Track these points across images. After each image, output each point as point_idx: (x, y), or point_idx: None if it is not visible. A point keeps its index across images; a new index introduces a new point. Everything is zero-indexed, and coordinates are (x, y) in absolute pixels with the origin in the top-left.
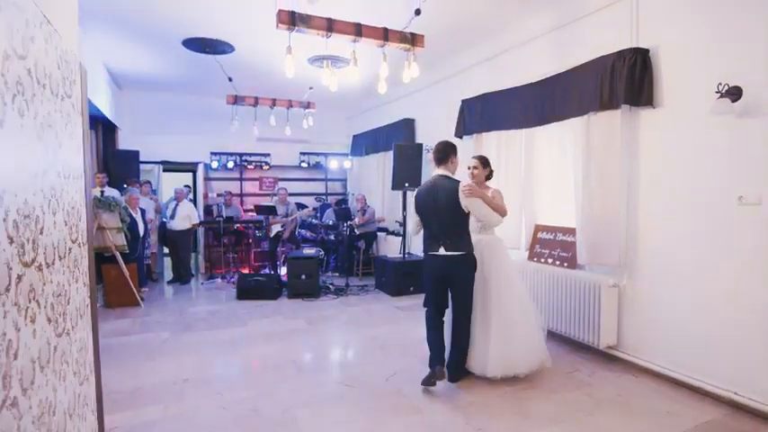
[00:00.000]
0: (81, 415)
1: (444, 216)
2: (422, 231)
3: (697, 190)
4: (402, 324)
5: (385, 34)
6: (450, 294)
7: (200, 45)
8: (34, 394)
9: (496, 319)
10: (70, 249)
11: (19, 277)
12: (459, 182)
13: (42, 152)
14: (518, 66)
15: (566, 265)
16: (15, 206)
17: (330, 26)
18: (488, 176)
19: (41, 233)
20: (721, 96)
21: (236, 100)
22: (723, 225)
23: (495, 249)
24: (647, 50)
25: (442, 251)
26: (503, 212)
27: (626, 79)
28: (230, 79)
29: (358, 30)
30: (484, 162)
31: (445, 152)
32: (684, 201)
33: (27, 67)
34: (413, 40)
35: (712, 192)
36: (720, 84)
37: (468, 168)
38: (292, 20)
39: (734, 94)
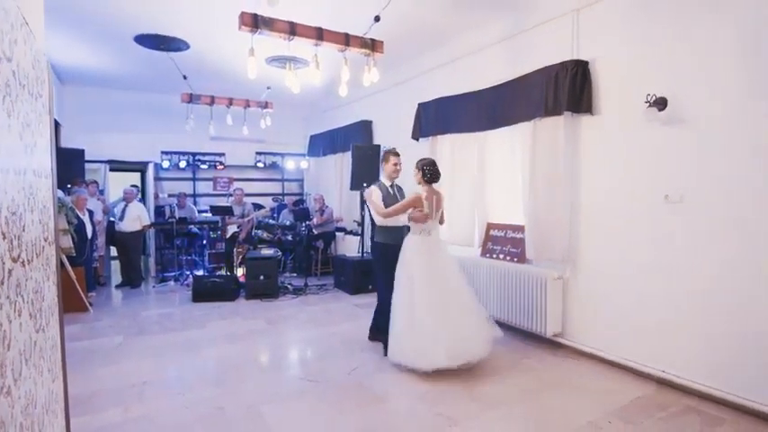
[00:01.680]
0: (54, 411)
1: None
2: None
3: (630, 190)
4: (361, 321)
5: (346, 39)
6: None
7: (153, 41)
8: (22, 385)
9: (448, 310)
10: (43, 248)
11: (9, 272)
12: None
13: (23, 151)
14: (472, 72)
15: (516, 260)
16: (6, 203)
17: (293, 30)
18: (429, 179)
19: (24, 230)
20: (650, 106)
21: (192, 98)
22: (653, 220)
23: (440, 248)
24: (586, 62)
25: None
26: (377, 211)
27: (568, 88)
28: (185, 77)
29: (320, 34)
30: (418, 165)
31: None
32: (619, 199)
33: (12, 69)
34: (373, 45)
35: (643, 191)
36: (649, 94)
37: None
38: (255, 22)
39: (660, 104)
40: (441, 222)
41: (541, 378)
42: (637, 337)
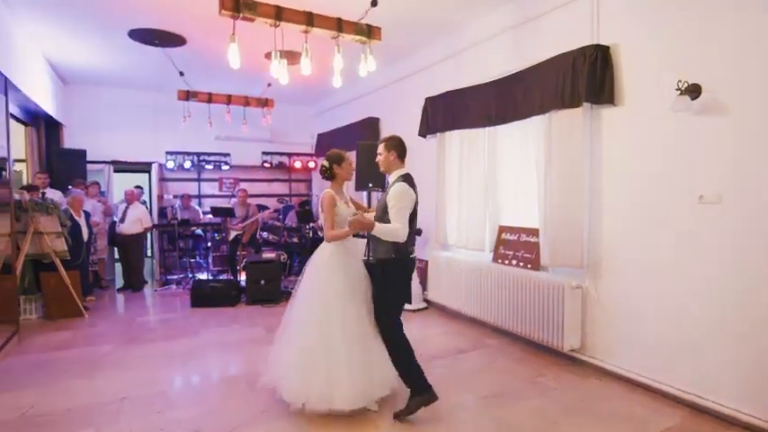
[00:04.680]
0: None
1: (416, 215)
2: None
3: (659, 189)
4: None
5: (339, 25)
6: None
7: (147, 36)
8: None
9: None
10: None
11: None
12: None
13: None
14: (482, 62)
15: (529, 266)
16: None
17: (278, 14)
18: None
19: None
20: (681, 94)
21: (188, 96)
22: (685, 225)
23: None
24: (607, 47)
25: (415, 252)
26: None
27: (587, 77)
28: (181, 73)
29: (309, 19)
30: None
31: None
32: (647, 201)
33: None
34: (369, 32)
35: (674, 191)
36: (680, 81)
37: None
38: (236, 6)
39: (693, 91)
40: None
41: (559, 401)
42: (667, 356)
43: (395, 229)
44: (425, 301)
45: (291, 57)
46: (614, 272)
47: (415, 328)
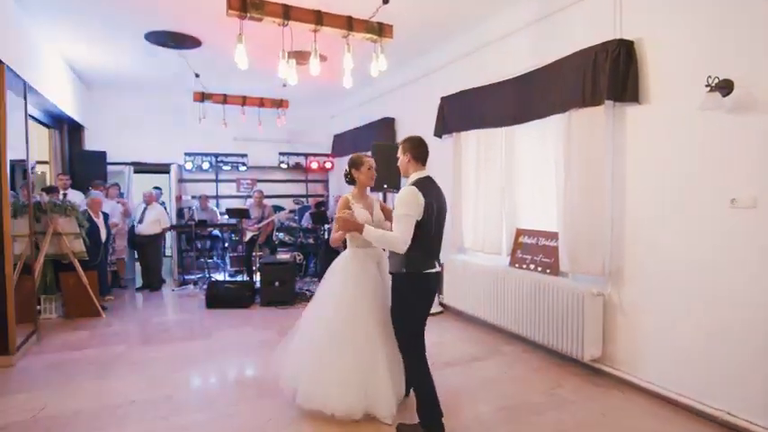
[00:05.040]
0: None
1: (442, 224)
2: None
3: (687, 192)
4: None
5: (349, 23)
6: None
7: (163, 39)
8: None
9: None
10: None
11: None
12: None
13: None
14: (500, 60)
15: (548, 271)
16: None
17: (287, 13)
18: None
19: None
20: (711, 90)
21: (204, 97)
22: (716, 230)
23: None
24: (631, 42)
25: (437, 267)
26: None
27: (609, 73)
28: (197, 75)
29: (318, 18)
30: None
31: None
32: (674, 204)
33: None
34: (380, 30)
35: (704, 194)
36: (710, 77)
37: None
38: (243, 6)
39: (725, 87)
40: None
41: (576, 415)
42: (696, 369)
43: (391, 238)
44: (441, 305)
45: (305, 57)
46: (638, 279)
47: (429, 333)
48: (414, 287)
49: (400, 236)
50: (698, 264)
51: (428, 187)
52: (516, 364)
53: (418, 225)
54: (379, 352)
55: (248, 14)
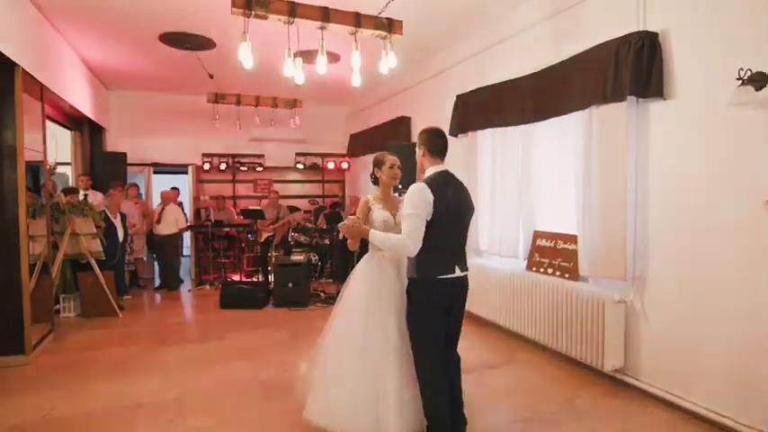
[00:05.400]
0: None
1: (465, 226)
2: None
3: (717, 193)
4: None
5: (357, 19)
6: (448, 327)
7: (178, 40)
8: None
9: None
10: None
11: None
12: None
13: None
14: (515, 57)
15: (567, 276)
16: None
17: (292, 10)
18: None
19: None
20: (743, 84)
21: (217, 98)
22: (751, 234)
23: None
24: (655, 34)
25: (457, 272)
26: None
27: (632, 67)
28: (211, 76)
29: (325, 15)
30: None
31: (447, 141)
32: (703, 206)
33: None
34: (390, 26)
35: (735, 195)
36: (741, 69)
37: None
38: (248, 3)
39: (758, 80)
40: None
41: (595, 429)
42: (727, 383)
43: (396, 240)
44: None
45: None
46: (663, 286)
47: None
48: (426, 294)
49: (406, 237)
50: (730, 270)
51: (443, 183)
52: (532, 372)
53: (429, 225)
54: (393, 367)
55: (253, 12)
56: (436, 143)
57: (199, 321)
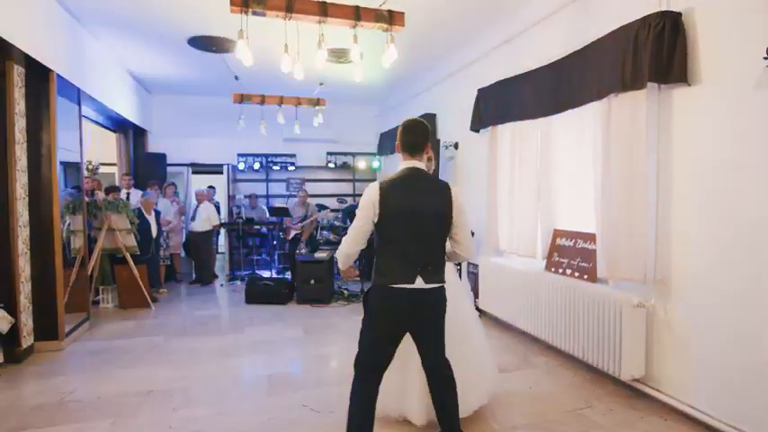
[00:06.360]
0: None
1: (429, 229)
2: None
3: (746, 188)
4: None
5: (356, 13)
6: (416, 341)
7: (205, 43)
8: None
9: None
10: None
11: None
12: (446, 182)
13: None
14: (534, 47)
15: (585, 277)
16: None
17: (290, 6)
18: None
19: None
20: None
21: (242, 99)
22: None
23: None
24: (678, 14)
25: (418, 283)
26: None
27: (652, 51)
28: (236, 78)
29: (323, 9)
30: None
31: (424, 136)
32: (731, 204)
33: None
34: (391, 18)
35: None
36: None
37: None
38: (245, 1)
39: None
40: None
41: None
42: (757, 398)
43: (340, 247)
44: (477, 309)
45: (338, 54)
46: (688, 289)
47: None
48: (374, 304)
49: (343, 241)
50: (759, 274)
51: (401, 182)
52: (545, 377)
53: (379, 226)
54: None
55: (251, 9)
56: (404, 139)
57: (223, 315)
